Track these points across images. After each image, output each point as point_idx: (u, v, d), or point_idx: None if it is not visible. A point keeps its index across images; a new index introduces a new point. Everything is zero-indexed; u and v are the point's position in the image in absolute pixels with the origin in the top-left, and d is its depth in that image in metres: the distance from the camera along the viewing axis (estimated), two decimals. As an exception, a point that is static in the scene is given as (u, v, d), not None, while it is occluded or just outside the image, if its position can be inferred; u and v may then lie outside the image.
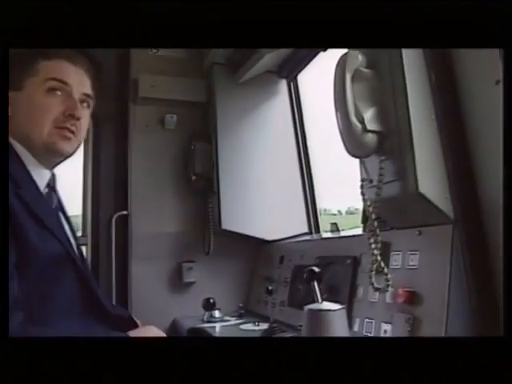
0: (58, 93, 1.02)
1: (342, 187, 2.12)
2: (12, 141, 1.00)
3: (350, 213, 2.07)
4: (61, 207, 1.11)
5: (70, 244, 1.05)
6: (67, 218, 1.12)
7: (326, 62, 1.72)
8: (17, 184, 0.93)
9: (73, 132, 1.03)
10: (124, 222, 1.96)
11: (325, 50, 1.72)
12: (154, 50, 2.05)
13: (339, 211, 2.20)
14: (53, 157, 1.04)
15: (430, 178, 0.93)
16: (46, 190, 1.05)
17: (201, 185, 1.96)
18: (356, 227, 1.59)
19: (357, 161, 1.08)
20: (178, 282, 1.93)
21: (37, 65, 1.01)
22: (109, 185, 2.03)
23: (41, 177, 1.03)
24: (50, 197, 1.06)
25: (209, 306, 1.73)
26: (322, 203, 2.05)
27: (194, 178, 1.95)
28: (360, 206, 1.50)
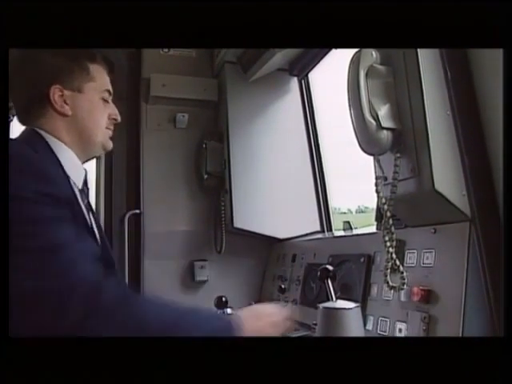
0: (107, 100, 1.16)
1: (353, 186, 2.11)
2: (49, 137, 1.05)
3: (360, 211, 2.06)
4: (89, 202, 1.15)
5: (102, 238, 1.11)
6: (93, 213, 1.16)
7: (338, 59, 1.71)
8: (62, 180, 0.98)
9: (113, 132, 1.18)
10: (137, 221, 1.97)
11: (337, 48, 1.71)
12: (166, 50, 2.05)
13: (349, 210, 2.19)
14: (99, 153, 1.18)
15: (446, 175, 0.92)
16: (84, 186, 1.10)
17: (213, 183, 1.96)
18: (367, 225, 1.58)
19: (368, 159, 1.07)
20: (190, 281, 1.94)
21: (89, 69, 1.11)
22: (121, 184, 2.05)
23: (80, 173, 1.09)
24: (85, 193, 1.10)
25: (221, 304, 1.73)
26: (332, 202, 2.05)
27: (205, 176, 1.96)
28: (370, 204, 1.49)
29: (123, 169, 2.05)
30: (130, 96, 2.08)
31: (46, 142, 1.04)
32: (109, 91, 1.16)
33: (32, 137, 1.04)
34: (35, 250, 0.83)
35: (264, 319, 1.00)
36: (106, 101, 1.15)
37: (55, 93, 1.05)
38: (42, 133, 1.05)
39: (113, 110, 1.17)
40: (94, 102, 1.11)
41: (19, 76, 1.06)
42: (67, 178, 1.02)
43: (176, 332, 0.88)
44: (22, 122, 1.11)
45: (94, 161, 2.06)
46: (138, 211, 1.96)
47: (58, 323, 0.79)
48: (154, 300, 0.95)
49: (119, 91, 2.05)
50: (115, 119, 1.17)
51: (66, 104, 1.06)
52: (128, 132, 2.06)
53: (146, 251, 1.92)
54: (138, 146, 2.01)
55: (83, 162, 1.13)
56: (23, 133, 1.07)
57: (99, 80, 1.13)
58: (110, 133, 1.17)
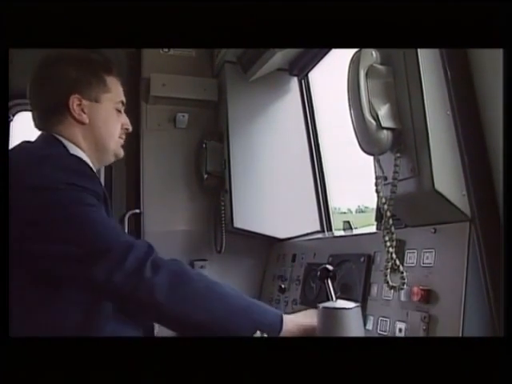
0: (121, 110, 1.23)
1: (353, 185, 2.11)
2: (68, 143, 1.11)
3: (360, 211, 2.06)
4: None
5: None
6: None
7: (338, 59, 1.71)
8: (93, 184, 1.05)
9: (124, 141, 1.26)
10: (136, 221, 1.97)
11: (336, 48, 1.71)
12: (166, 50, 2.05)
13: (349, 210, 2.19)
14: (110, 161, 1.25)
15: (446, 175, 0.92)
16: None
17: (213, 183, 1.96)
18: (367, 225, 1.58)
19: (368, 159, 1.07)
20: (190, 281, 1.93)
21: (106, 81, 1.17)
22: (121, 183, 2.05)
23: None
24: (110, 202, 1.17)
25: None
26: (332, 202, 2.04)
27: (205, 176, 1.96)
28: (370, 204, 1.49)
29: (123, 169, 2.05)
30: (129, 96, 2.07)
31: (65, 147, 1.09)
32: (122, 102, 1.23)
33: (52, 141, 1.09)
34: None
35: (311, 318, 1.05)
36: (119, 111, 1.21)
37: (74, 102, 1.11)
38: (61, 138, 1.10)
39: (125, 119, 1.24)
40: (109, 111, 1.18)
41: (40, 85, 1.13)
42: (98, 178, 1.09)
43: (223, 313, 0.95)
44: (39, 127, 1.16)
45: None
46: (137, 211, 1.96)
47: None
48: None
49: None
50: (127, 129, 1.25)
51: (84, 113, 1.13)
52: (128, 132, 2.06)
53: (145, 251, 1.92)
54: (138, 146, 2.01)
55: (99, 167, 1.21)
56: (41, 137, 1.12)
57: (115, 91, 1.20)
58: (122, 142, 1.24)
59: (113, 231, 0.97)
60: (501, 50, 0.82)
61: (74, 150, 1.11)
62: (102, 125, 1.16)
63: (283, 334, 0.99)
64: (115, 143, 1.21)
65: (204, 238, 2.00)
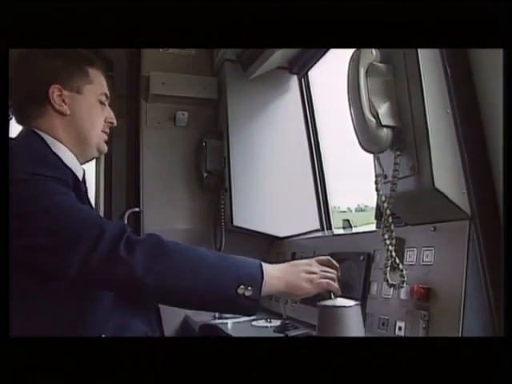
0: (104, 103, 1.18)
1: (352, 184, 2.11)
2: (47, 137, 1.07)
3: (359, 210, 2.05)
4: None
5: None
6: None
7: (338, 57, 1.71)
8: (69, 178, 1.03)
9: (108, 135, 1.21)
10: (136, 219, 1.97)
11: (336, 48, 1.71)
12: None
13: (349, 208, 2.19)
14: (94, 155, 1.19)
15: (446, 174, 0.92)
16: (83, 184, 1.13)
17: (212, 182, 1.96)
18: (367, 224, 1.58)
19: (367, 158, 1.07)
20: (189, 279, 1.93)
21: (88, 72, 1.14)
22: (121, 182, 2.05)
23: (79, 172, 1.11)
24: (85, 191, 1.14)
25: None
26: (331, 200, 2.05)
27: (205, 174, 1.96)
28: (370, 203, 1.49)
29: (123, 167, 2.06)
30: (129, 94, 2.08)
31: (45, 142, 1.06)
32: (106, 95, 1.18)
33: (31, 136, 1.06)
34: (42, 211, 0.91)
35: (298, 272, 1.03)
36: (103, 104, 1.17)
37: (54, 92, 1.07)
38: (40, 133, 1.07)
39: (109, 113, 1.19)
40: (91, 103, 1.14)
41: (17, 76, 1.08)
42: (69, 169, 1.05)
43: (198, 277, 0.92)
44: (19, 121, 1.12)
45: (94, 160, 2.06)
46: (137, 209, 1.96)
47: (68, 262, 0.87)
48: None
49: (119, 89, 2.07)
50: (111, 123, 1.20)
51: (65, 103, 1.09)
52: (128, 130, 2.07)
53: (145, 249, 1.92)
54: (138, 144, 2.01)
55: (80, 164, 1.15)
56: (21, 132, 1.08)
57: (97, 83, 1.16)
58: (106, 136, 1.19)
59: (83, 217, 0.94)
60: (501, 50, 0.82)
61: (56, 144, 1.08)
62: (84, 117, 1.12)
63: (265, 287, 0.97)
64: (98, 136, 1.16)
65: (204, 237, 2.00)
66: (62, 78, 1.09)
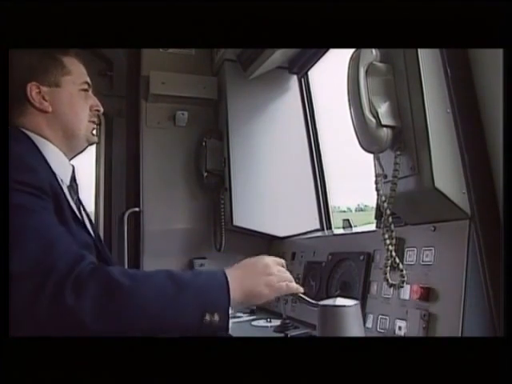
0: (87, 92, 1.14)
1: (352, 184, 2.11)
2: (33, 135, 1.04)
3: (359, 210, 2.05)
4: (78, 198, 1.14)
5: (94, 234, 1.11)
6: (84, 209, 1.15)
7: (338, 57, 1.71)
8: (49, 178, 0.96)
9: (97, 124, 1.17)
10: (136, 219, 1.97)
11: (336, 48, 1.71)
12: (165, 48, 2.05)
13: (349, 208, 2.19)
14: (83, 147, 1.15)
15: (446, 173, 0.92)
16: (72, 182, 1.09)
17: (212, 181, 1.97)
18: (367, 224, 1.58)
19: (367, 158, 1.07)
20: (189, 279, 1.93)
21: (63, 62, 1.09)
22: (121, 182, 2.05)
23: (67, 169, 1.09)
24: (74, 189, 1.09)
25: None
26: (331, 200, 2.05)
27: (205, 174, 1.96)
28: (370, 202, 1.49)
29: (123, 167, 2.05)
30: (129, 94, 2.08)
31: (32, 141, 1.03)
32: (87, 83, 1.14)
33: (17, 135, 1.02)
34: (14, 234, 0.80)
35: (257, 277, 0.97)
36: (86, 91, 1.13)
37: (32, 90, 1.04)
38: (27, 132, 1.04)
39: (94, 101, 1.15)
40: (73, 95, 1.10)
41: None
42: (53, 174, 1.00)
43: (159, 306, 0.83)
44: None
45: (94, 159, 2.06)
46: (137, 209, 1.96)
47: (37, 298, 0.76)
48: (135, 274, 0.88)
49: (119, 89, 2.07)
50: (98, 110, 1.16)
51: (45, 100, 1.06)
52: (128, 130, 2.07)
53: (145, 249, 1.92)
54: (138, 144, 2.01)
55: (70, 159, 1.12)
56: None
57: (76, 73, 1.11)
58: (94, 126, 1.16)
59: (33, 248, 0.81)
60: (501, 50, 0.82)
61: (42, 142, 1.04)
62: (67, 111, 1.08)
63: (233, 306, 0.90)
64: (85, 127, 1.12)
65: (203, 236, 2.00)
66: (37, 74, 1.05)
